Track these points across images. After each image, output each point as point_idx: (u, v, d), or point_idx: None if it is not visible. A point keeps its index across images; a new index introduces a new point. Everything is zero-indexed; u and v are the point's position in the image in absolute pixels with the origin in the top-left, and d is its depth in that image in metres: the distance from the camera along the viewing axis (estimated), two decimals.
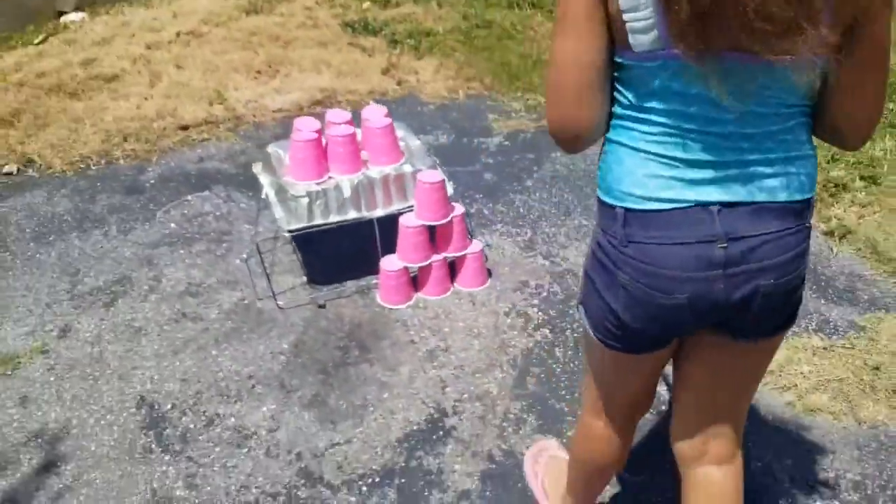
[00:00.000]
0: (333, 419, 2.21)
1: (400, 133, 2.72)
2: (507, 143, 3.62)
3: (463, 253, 2.67)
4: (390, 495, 1.99)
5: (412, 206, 2.64)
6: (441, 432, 2.17)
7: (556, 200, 3.20)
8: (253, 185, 3.18)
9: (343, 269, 2.79)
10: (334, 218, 2.57)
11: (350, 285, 2.73)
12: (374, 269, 2.73)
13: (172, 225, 3.05)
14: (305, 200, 2.51)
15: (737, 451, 1.46)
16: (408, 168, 2.63)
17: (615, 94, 1.18)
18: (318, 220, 2.56)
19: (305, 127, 2.60)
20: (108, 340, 2.48)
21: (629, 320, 1.24)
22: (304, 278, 2.76)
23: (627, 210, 1.16)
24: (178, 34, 4.40)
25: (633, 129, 1.16)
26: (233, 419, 2.21)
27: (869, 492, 1.98)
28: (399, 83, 4.06)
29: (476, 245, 2.69)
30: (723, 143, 1.12)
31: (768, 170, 1.14)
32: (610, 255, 1.21)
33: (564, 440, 2.11)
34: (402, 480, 2.03)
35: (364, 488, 2.01)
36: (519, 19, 4.72)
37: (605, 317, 1.27)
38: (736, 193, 1.13)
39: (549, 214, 3.11)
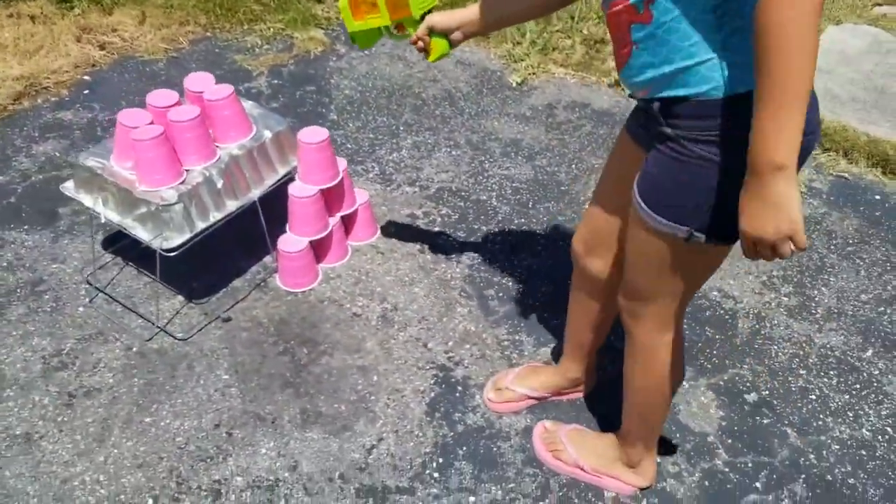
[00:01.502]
0: (345, 425, 1.99)
1: None
2: (276, 80, 3.31)
3: (355, 207, 2.46)
4: (466, 469, 1.89)
5: (287, 174, 2.35)
6: (460, 388, 2.08)
7: (373, 125, 3.06)
8: (22, 215, 2.53)
9: (217, 269, 2.41)
10: (216, 216, 2.19)
11: (241, 284, 2.38)
12: (258, 257, 2.41)
13: None
14: (180, 207, 2.09)
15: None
16: (267, 134, 2.31)
17: None
18: (202, 225, 2.16)
19: (135, 120, 2.12)
20: None
21: None
22: (180, 297, 2.33)
23: None
24: None
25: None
26: (239, 479, 1.86)
27: None
28: (102, 47, 3.42)
29: (363, 195, 2.50)
30: None
31: None
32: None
33: (548, 352, 2.16)
34: (464, 449, 1.93)
35: (436, 475, 1.88)
36: None
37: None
38: None
39: (378, 142, 2.98)
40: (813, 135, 1.24)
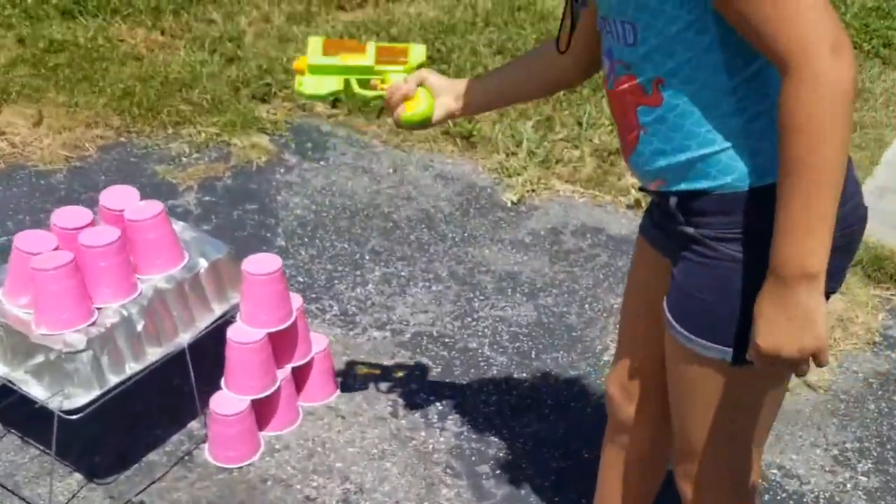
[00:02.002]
0: None
1: None
2: (208, 197, 3.46)
3: (310, 357, 2.55)
4: None
5: (225, 314, 2.44)
6: None
7: (331, 253, 3.20)
8: None
9: (129, 437, 2.45)
10: (133, 367, 2.27)
11: (158, 457, 2.42)
12: (182, 422, 2.47)
13: None
14: (89, 355, 2.16)
15: None
16: (203, 263, 2.41)
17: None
18: (114, 380, 2.22)
19: (36, 245, 2.22)
20: None
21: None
22: (77, 475, 2.35)
23: None
24: None
25: None
26: None
27: None
28: None
29: (320, 341, 2.60)
30: None
31: None
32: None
33: None
34: None
35: None
36: (98, 31, 4.46)
37: None
38: None
39: (338, 274, 3.11)
40: (848, 215, 1.36)
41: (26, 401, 2.22)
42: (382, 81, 1.80)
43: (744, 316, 1.38)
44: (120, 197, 2.42)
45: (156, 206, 2.38)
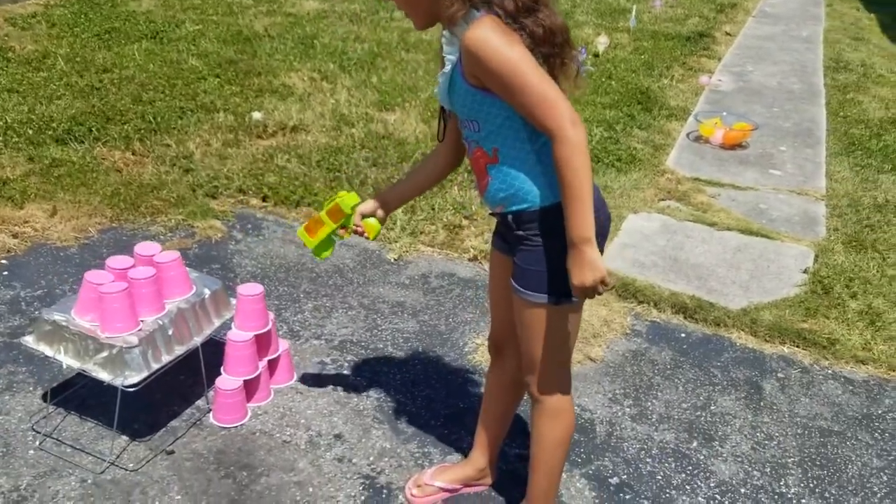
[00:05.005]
0: None
1: None
2: (185, 261, 3.69)
3: (280, 353, 2.86)
4: None
5: (222, 325, 2.74)
6: (385, 491, 2.45)
7: (276, 294, 3.50)
8: None
9: (155, 413, 2.69)
10: (166, 358, 2.53)
11: (178, 423, 2.66)
12: (190, 402, 2.73)
13: None
14: (140, 349, 2.43)
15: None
16: (207, 291, 2.72)
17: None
18: (155, 366, 2.48)
19: (100, 278, 2.49)
20: None
21: None
22: (124, 437, 2.57)
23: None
24: None
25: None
26: None
27: None
28: (16, 236, 3.70)
29: (284, 343, 2.91)
30: None
31: None
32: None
33: (449, 460, 2.60)
34: None
35: None
36: (85, 152, 4.62)
37: None
38: None
39: (283, 306, 3.41)
40: (599, 214, 1.83)
41: (76, 394, 2.45)
42: (346, 228, 2.27)
43: (552, 275, 1.86)
44: (148, 248, 2.70)
45: (174, 253, 2.68)
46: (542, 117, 1.70)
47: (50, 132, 4.78)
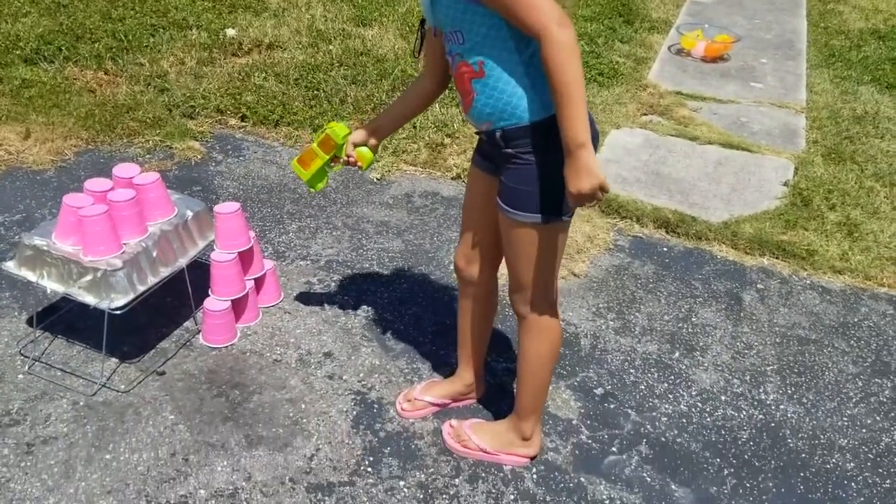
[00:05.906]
0: (285, 443, 2.30)
1: None
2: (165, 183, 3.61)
3: (265, 271, 2.83)
4: (393, 463, 2.27)
5: (206, 247, 2.70)
6: (376, 406, 2.47)
7: (260, 216, 3.45)
8: None
9: (144, 335, 2.67)
10: (152, 280, 2.49)
11: (168, 345, 2.65)
12: (178, 323, 2.71)
13: None
14: (124, 272, 2.39)
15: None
16: (189, 213, 2.66)
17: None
18: (141, 288, 2.45)
19: (78, 202, 2.43)
20: None
21: None
22: (114, 359, 2.56)
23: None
24: None
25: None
26: (202, 491, 2.12)
27: None
28: None
29: (269, 262, 2.88)
30: None
31: None
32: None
33: (431, 377, 2.62)
34: (388, 448, 2.31)
35: (370, 469, 2.24)
36: (56, 73, 4.45)
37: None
38: None
39: (267, 227, 3.36)
40: (593, 123, 1.80)
41: (61, 318, 2.41)
42: (337, 158, 2.21)
43: (543, 194, 1.81)
44: (127, 170, 2.62)
45: (154, 175, 2.61)
46: (527, 18, 1.62)
47: (17, 52, 4.60)
